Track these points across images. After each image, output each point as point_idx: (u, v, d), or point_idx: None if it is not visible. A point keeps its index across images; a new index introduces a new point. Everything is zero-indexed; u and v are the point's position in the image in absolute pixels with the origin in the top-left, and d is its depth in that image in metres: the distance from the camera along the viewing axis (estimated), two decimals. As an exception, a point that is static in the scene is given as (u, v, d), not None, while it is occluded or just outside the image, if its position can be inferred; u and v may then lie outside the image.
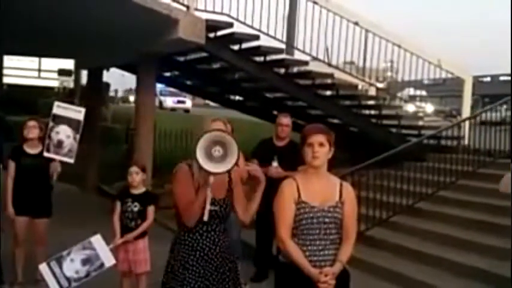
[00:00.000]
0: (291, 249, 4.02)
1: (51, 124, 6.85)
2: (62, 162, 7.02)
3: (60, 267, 5.70)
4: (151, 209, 6.47)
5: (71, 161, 6.90)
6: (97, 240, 5.96)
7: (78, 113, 6.94)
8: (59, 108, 6.94)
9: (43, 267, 5.70)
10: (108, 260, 5.88)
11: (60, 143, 6.78)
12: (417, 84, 19.01)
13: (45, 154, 6.86)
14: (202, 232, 4.10)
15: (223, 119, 4.26)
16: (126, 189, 6.60)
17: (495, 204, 8.46)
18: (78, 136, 6.87)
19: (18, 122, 12.31)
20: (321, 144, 4.03)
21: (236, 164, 3.76)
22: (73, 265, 5.73)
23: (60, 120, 6.84)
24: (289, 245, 4.03)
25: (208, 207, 3.88)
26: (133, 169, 6.55)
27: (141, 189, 6.54)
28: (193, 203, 3.96)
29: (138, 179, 6.51)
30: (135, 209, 6.41)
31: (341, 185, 4.18)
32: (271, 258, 7.83)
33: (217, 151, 3.71)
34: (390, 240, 8.67)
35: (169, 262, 4.22)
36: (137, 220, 6.40)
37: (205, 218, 3.91)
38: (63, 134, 6.81)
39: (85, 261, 5.81)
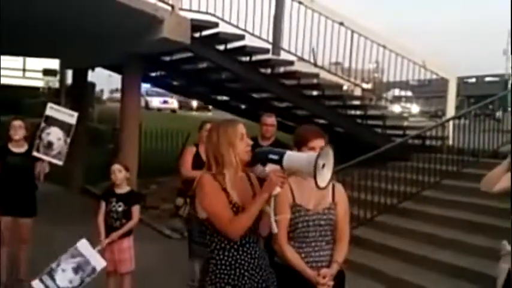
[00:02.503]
0: (289, 253, 4.03)
1: (42, 125, 6.85)
2: (49, 163, 7.00)
3: (53, 279, 5.74)
4: (136, 209, 6.45)
5: (60, 163, 6.89)
6: (83, 245, 6.02)
7: (70, 116, 6.94)
8: (52, 110, 6.93)
9: (36, 284, 5.70)
10: (99, 264, 5.97)
11: (50, 145, 6.78)
12: (403, 85, 19.01)
13: (35, 154, 6.85)
14: (237, 247, 3.68)
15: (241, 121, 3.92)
16: (110, 189, 6.58)
17: (479, 204, 8.52)
18: (68, 139, 6.87)
19: (3, 121, 12.27)
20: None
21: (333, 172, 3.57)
22: (65, 275, 5.77)
23: (52, 122, 6.84)
24: (286, 249, 4.04)
25: (273, 218, 3.61)
26: (116, 167, 6.51)
27: (125, 189, 6.52)
28: (241, 217, 3.59)
29: (120, 177, 6.47)
30: (120, 209, 6.39)
31: (333, 186, 4.19)
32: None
33: (323, 165, 3.46)
34: (374, 239, 8.70)
35: (207, 286, 3.72)
36: (122, 220, 6.38)
37: (275, 229, 3.64)
38: (54, 136, 6.81)
39: (76, 269, 5.88)
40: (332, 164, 3.51)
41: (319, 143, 4.06)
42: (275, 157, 3.53)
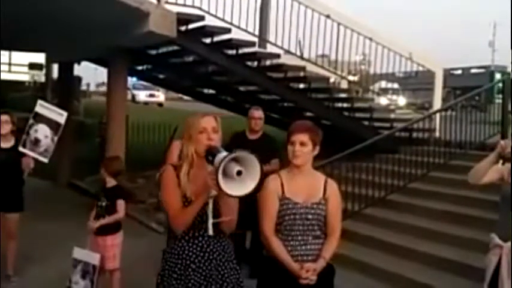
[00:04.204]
0: (274, 245, 4.04)
1: (31, 121, 6.83)
2: (35, 159, 6.97)
3: None
4: (119, 203, 6.42)
5: (45, 160, 6.88)
6: (78, 252, 6.21)
7: (60, 115, 6.93)
8: (42, 108, 6.92)
9: None
10: (94, 259, 6.10)
11: (37, 141, 6.77)
12: (389, 77, 19.06)
13: (21, 149, 6.83)
14: (189, 238, 3.72)
15: (214, 114, 3.88)
16: (102, 184, 6.61)
17: (466, 196, 8.53)
18: (56, 138, 6.85)
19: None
20: (302, 144, 4.04)
21: (257, 188, 3.40)
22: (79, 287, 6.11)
23: (40, 119, 6.83)
24: (272, 241, 4.05)
25: (211, 221, 3.59)
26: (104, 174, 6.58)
27: (111, 183, 6.52)
28: (183, 211, 3.65)
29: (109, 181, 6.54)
30: (103, 204, 6.39)
31: (325, 182, 4.19)
32: (244, 252, 7.80)
33: (238, 172, 3.27)
34: (362, 232, 8.70)
35: (159, 273, 3.84)
36: (104, 215, 6.38)
37: (211, 232, 3.61)
38: (42, 133, 6.80)
39: (83, 275, 6.08)
40: (257, 173, 3.34)
41: (298, 137, 4.06)
42: (210, 158, 3.45)
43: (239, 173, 3.28)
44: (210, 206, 3.57)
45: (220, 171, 3.23)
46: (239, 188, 3.32)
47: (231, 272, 3.79)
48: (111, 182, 6.51)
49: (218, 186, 3.25)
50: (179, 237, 3.73)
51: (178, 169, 3.72)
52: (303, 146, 4.04)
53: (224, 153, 3.35)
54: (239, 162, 3.30)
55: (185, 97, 28.57)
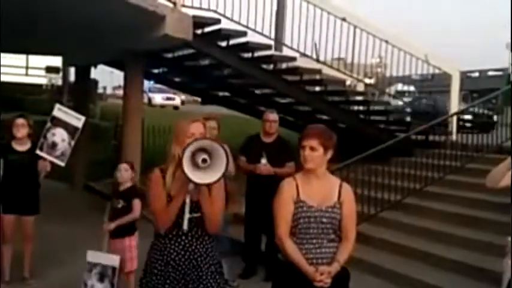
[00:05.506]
0: (289, 248, 4.04)
1: (48, 125, 6.88)
2: (51, 163, 7.00)
3: None
4: (136, 203, 6.44)
5: (62, 164, 6.93)
6: (92, 255, 6.18)
7: (77, 120, 6.98)
8: (60, 112, 6.96)
9: None
10: (114, 261, 6.09)
11: (54, 145, 6.81)
12: (406, 79, 19.02)
13: (38, 152, 6.87)
14: (172, 236, 3.87)
15: (202, 119, 4.03)
16: (115, 187, 6.61)
17: (483, 199, 8.50)
18: (73, 142, 6.89)
19: (6, 119, 12.26)
20: (312, 149, 4.04)
21: (224, 174, 3.55)
22: None
23: (58, 122, 6.87)
24: (287, 244, 4.04)
25: (187, 215, 3.77)
26: (123, 166, 6.56)
27: (126, 185, 6.53)
28: (167, 209, 3.80)
29: (126, 176, 6.51)
30: (119, 206, 6.40)
31: (340, 185, 4.18)
32: (259, 255, 7.82)
33: (203, 160, 3.47)
34: (378, 235, 8.66)
35: (143, 268, 4.06)
36: (122, 217, 6.39)
37: (185, 227, 3.80)
38: (59, 136, 6.85)
39: (101, 278, 6.04)
40: (223, 165, 3.52)
41: (308, 142, 4.06)
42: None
43: (204, 160, 3.48)
44: (187, 200, 3.76)
45: (185, 156, 3.45)
46: (204, 176, 3.51)
47: (211, 275, 3.91)
48: (126, 184, 6.53)
49: (182, 170, 3.46)
50: (163, 234, 3.88)
51: (165, 171, 3.88)
52: (313, 151, 4.04)
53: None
54: (207, 152, 3.50)
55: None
